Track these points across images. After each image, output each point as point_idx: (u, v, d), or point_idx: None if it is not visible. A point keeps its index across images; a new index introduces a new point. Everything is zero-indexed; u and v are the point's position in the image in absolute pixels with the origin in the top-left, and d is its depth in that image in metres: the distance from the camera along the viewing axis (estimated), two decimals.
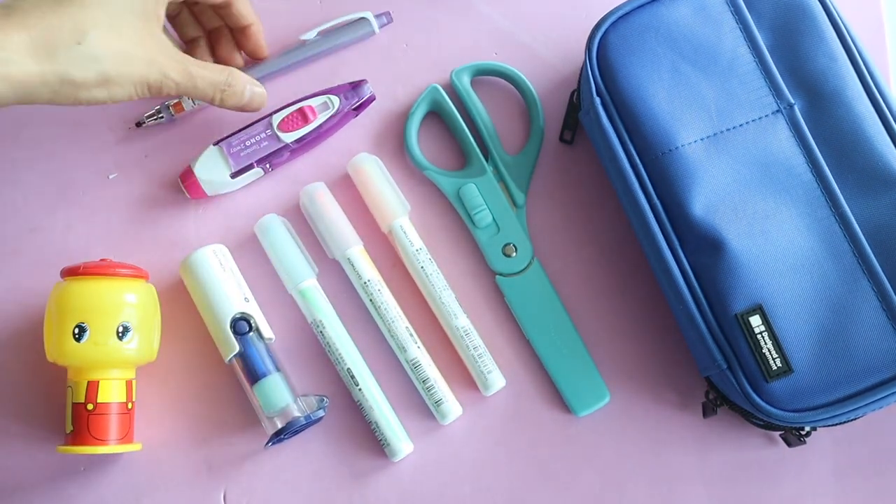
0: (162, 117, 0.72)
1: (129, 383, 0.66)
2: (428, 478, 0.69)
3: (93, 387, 0.65)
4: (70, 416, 0.65)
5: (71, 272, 0.65)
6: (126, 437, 0.66)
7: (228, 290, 0.67)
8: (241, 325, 0.67)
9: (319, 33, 0.73)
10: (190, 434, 0.69)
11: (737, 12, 0.67)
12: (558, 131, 0.73)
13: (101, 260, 0.66)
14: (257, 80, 0.70)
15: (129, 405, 0.66)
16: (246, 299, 0.68)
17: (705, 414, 0.68)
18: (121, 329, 0.65)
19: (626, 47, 0.66)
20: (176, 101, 0.72)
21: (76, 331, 0.64)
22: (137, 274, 0.67)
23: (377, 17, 0.74)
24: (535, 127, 0.72)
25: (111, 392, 0.65)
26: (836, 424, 0.64)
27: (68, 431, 0.65)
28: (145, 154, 0.73)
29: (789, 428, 0.65)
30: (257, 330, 0.68)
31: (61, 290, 0.65)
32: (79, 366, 0.65)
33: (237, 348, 0.67)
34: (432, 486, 0.69)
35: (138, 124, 0.72)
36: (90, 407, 0.65)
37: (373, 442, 0.69)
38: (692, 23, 0.66)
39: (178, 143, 0.73)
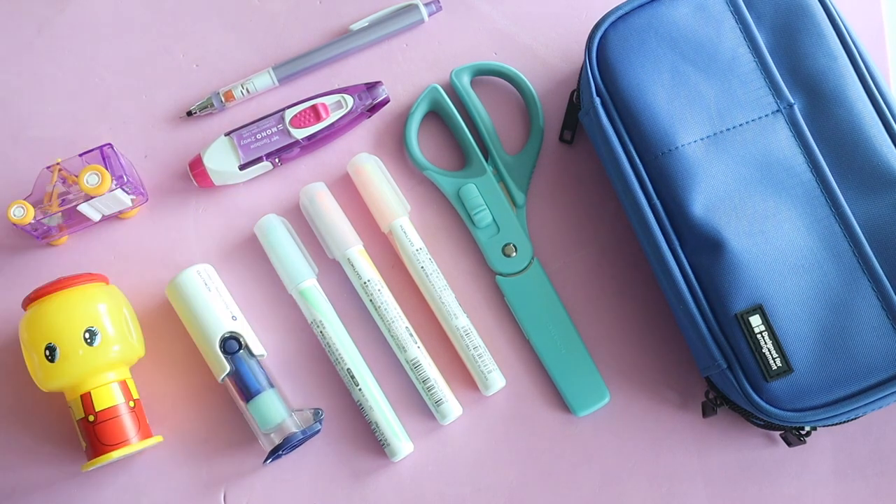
0: (213, 105, 0.72)
1: (123, 384, 0.66)
2: (428, 478, 0.69)
3: (87, 399, 0.65)
4: (80, 434, 0.65)
5: (28, 300, 0.66)
6: (142, 432, 0.66)
7: (215, 310, 0.67)
8: (231, 345, 0.67)
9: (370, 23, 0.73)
10: (190, 434, 0.69)
11: (737, 12, 0.67)
12: (558, 131, 0.73)
13: (57, 279, 0.66)
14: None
15: (132, 404, 0.66)
16: (234, 317, 0.67)
17: (705, 414, 0.68)
18: (87, 335, 0.64)
19: (625, 47, 0.66)
20: (227, 89, 0.72)
21: (47, 353, 0.64)
22: (91, 279, 0.66)
23: (426, 4, 0.74)
24: (535, 127, 0.72)
25: (106, 398, 0.65)
26: (836, 424, 0.64)
27: (84, 448, 0.66)
28: (145, 154, 0.73)
29: (789, 428, 0.65)
30: (247, 347, 0.67)
31: (24, 321, 0.65)
32: (67, 385, 0.65)
33: (227, 368, 0.66)
34: (432, 486, 0.69)
35: (189, 114, 0.72)
36: (91, 419, 0.65)
37: (373, 442, 0.69)
38: (692, 23, 0.66)
39: (180, 144, 0.73)
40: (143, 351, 0.67)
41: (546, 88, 0.73)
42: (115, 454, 0.64)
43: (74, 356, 0.64)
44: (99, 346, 0.64)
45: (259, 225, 0.70)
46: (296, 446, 0.67)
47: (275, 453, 0.66)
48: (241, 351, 0.67)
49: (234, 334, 0.67)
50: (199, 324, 0.67)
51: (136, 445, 0.65)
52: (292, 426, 0.66)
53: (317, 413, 0.67)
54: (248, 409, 0.67)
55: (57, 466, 0.69)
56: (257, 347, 0.68)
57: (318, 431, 0.67)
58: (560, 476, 0.69)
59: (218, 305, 0.67)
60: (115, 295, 0.67)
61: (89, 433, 0.65)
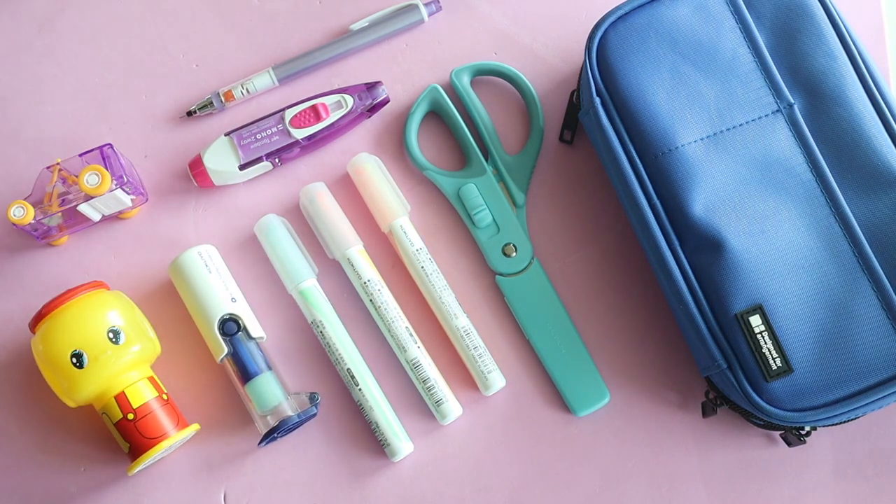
0: (212, 105, 0.72)
1: (151, 380, 0.67)
2: (428, 478, 0.69)
3: (122, 399, 0.65)
4: (119, 436, 0.65)
5: (38, 318, 0.66)
6: (180, 423, 0.66)
7: (215, 291, 0.67)
8: (230, 326, 0.67)
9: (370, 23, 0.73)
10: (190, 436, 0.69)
11: (737, 12, 0.67)
12: (558, 131, 0.73)
13: (62, 293, 0.66)
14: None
15: (165, 396, 0.67)
16: (233, 299, 0.68)
17: (705, 414, 0.68)
18: (111, 335, 0.64)
19: (625, 47, 0.66)
20: (227, 89, 0.72)
21: (74, 360, 0.64)
22: (95, 287, 0.67)
23: (426, 4, 0.74)
24: (535, 127, 0.72)
25: (141, 393, 0.65)
26: (836, 424, 0.64)
27: (127, 451, 0.66)
28: (145, 154, 0.73)
29: (789, 428, 0.65)
30: (245, 330, 0.67)
31: (41, 337, 0.65)
32: (101, 388, 0.65)
33: (225, 349, 0.67)
34: (432, 486, 0.69)
35: (189, 114, 0.72)
36: (131, 416, 0.65)
37: (373, 442, 0.69)
38: (692, 22, 0.66)
39: (180, 144, 0.73)
40: (160, 348, 0.68)
41: (546, 88, 0.73)
42: (165, 444, 0.65)
43: (104, 357, 0.64)
44: (124, 345, 0.65)
45: (259, 225, 0.70)
46: (291, 429, 0.67)
47: (270, 436, 0.66)
48: (240, 333, 0.67)
49: (232, 316, 0.67)
50: (198, 305, 0.67)
51: (180, 434, 0.66)
52: (288, 409, 0.66)
53: (313, 397, 0.67)
54: (245, 391, 0.67)
55: (56, 468, 0.69)
56: (256, 330, 0.68)
57: (314, 415, 0.67)
58: (560, 476, 0.69)
59: (218, 287, 0.67)
60: (122, 297, 0.67)
61: (132, 432, 0.65)
